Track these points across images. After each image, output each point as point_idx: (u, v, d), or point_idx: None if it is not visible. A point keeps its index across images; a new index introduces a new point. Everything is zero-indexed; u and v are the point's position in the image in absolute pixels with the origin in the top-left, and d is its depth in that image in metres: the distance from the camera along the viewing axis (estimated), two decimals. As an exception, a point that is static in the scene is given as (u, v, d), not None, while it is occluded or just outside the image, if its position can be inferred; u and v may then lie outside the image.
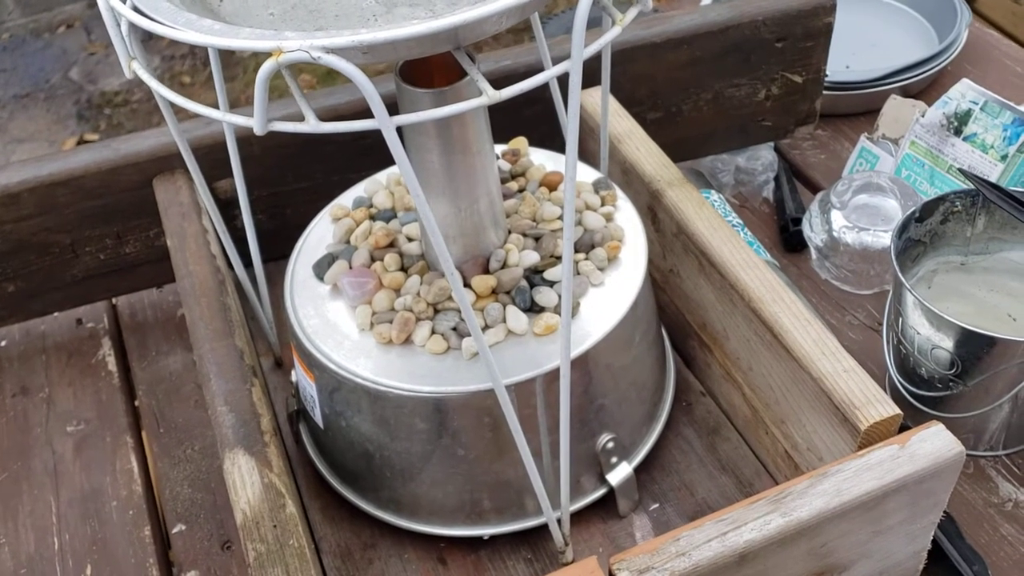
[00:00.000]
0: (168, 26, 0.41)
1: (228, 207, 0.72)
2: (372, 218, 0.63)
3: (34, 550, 0.65)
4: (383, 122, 0.40)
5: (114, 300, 0.82)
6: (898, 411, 0.53)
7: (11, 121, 2.28)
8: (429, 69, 0.52)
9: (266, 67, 0.38)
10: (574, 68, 0.42)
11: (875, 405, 0.53)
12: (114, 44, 0.46)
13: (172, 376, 0.75)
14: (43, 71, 2.44)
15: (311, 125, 0.40)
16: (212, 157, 0.69)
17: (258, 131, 0.41)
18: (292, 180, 0.75)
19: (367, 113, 0.39)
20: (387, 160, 0.68)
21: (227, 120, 0.43)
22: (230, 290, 0.65)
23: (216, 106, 0.44)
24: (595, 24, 0.49)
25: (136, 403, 0.75)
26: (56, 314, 0.80)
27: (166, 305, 0.81)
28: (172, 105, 0.47)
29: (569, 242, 0.46)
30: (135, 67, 0.46)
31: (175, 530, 0.65)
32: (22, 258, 0.73)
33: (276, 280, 0.72)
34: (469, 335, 0.56)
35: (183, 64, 2.35)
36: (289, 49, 0.38)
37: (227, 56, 2.37)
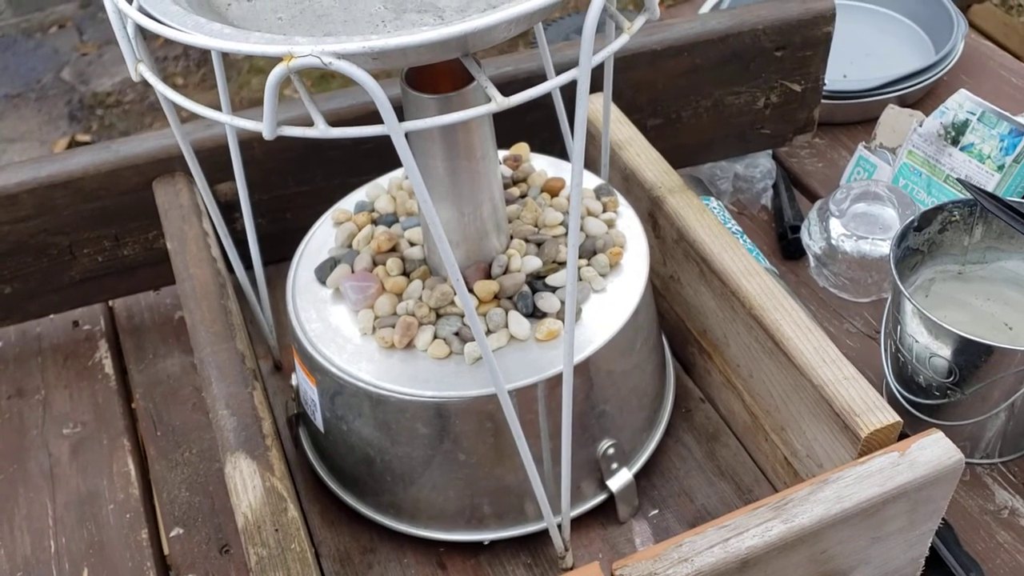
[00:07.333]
0: (177, 29, 0.41)
1: (228, 210, 0.71)
2: (374, 222, 0.63)
3: (30, 553, 0.64)
4: (393, 128, 0.40)
5: (111, 303, 0.82)
6: (898, 419, 0.53)
7: (2, 121, 2.27)
8: (434, 75, 0.52)
9: (276, 72, 0.38)
10: (582, 75, 0.42)
11: (875, 412, 0.53)
12: (120, 46, 0.45)
13: (170, 379, 0.75)
14: (35, 71, 2.43)
15: (320, 130, 0.40)
16: (212, 160, 0.69)
17: (268, 136, 0.41)
18: (292, 184, 0.75)
19: (369, 117, 0.39)
20: (388, 165, 0.68)
21: (235, 124, 0.43)
22: (230, 293, 0.65)
23: (213, 107, 0.44)
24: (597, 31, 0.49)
25: (133, 406, 0.74)
26: (52, 316, 0.80)
27: (163, 308, 0.81)
28: (175, 107, 0.47)
29: (574, 248, 0.46)
30: (142, 70, 0.46)
31: (173, 534, 0.65)
32: (19, 259, 0.73)
33: (275, 283, 0.72)
34: (471, 340, 0.56)
35: (176, 65, 2.35)
36: (300, 54, 0.38)
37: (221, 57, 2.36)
